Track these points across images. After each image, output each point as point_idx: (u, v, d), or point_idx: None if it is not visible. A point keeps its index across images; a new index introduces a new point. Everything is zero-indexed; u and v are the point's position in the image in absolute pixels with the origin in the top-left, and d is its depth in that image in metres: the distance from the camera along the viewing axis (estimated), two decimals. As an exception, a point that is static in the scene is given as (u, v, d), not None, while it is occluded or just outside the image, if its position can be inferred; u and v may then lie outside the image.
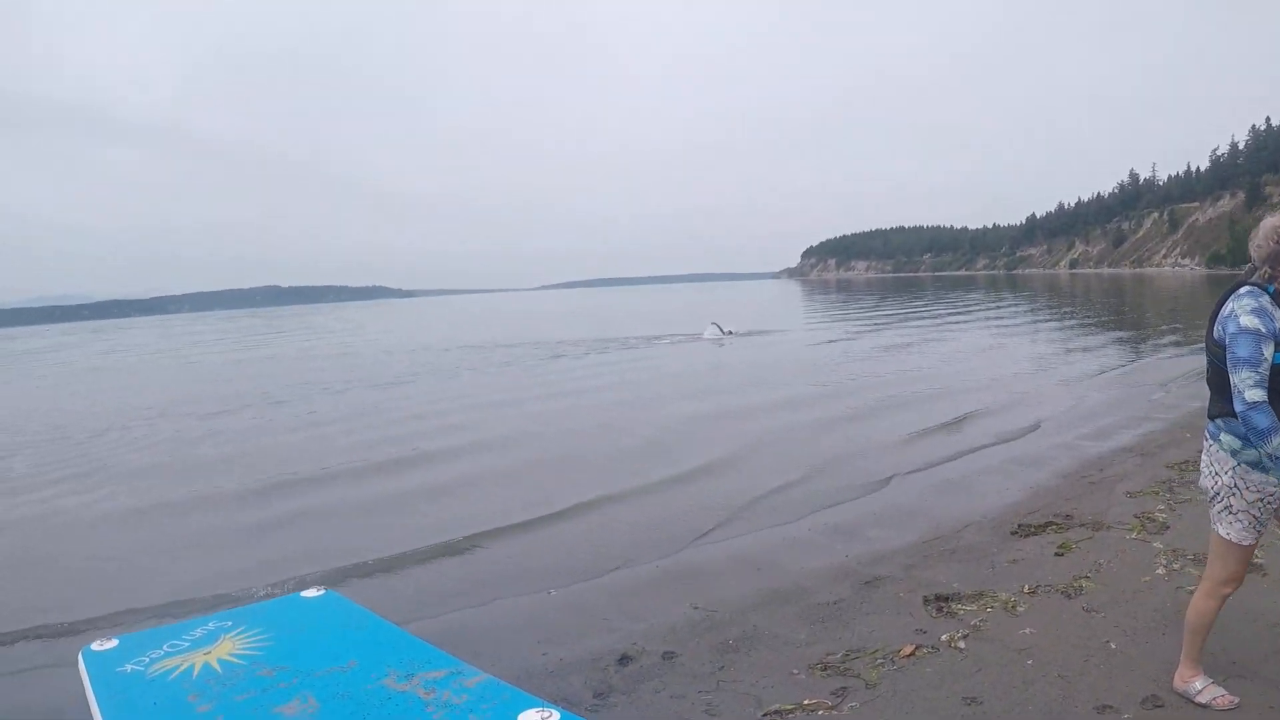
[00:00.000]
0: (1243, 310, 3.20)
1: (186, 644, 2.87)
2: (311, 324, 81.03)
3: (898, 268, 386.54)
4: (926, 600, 5.44)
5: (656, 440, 12.07)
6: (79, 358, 49.26)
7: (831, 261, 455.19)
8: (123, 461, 12.78)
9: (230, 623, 3.11)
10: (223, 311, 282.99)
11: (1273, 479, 3.26)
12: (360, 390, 20.76)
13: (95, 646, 2.92)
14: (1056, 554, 6.18)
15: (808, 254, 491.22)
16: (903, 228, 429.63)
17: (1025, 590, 5.47)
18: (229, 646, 2.84)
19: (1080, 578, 5.59)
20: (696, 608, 5.73)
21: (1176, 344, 23.62)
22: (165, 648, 2.84)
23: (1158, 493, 7.58)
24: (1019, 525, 7.02)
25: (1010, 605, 5.19)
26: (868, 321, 38.59)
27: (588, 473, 10.22)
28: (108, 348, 60.01)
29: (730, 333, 33.17)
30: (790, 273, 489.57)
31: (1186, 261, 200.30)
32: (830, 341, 27.05)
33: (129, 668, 2.73)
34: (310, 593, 3.52)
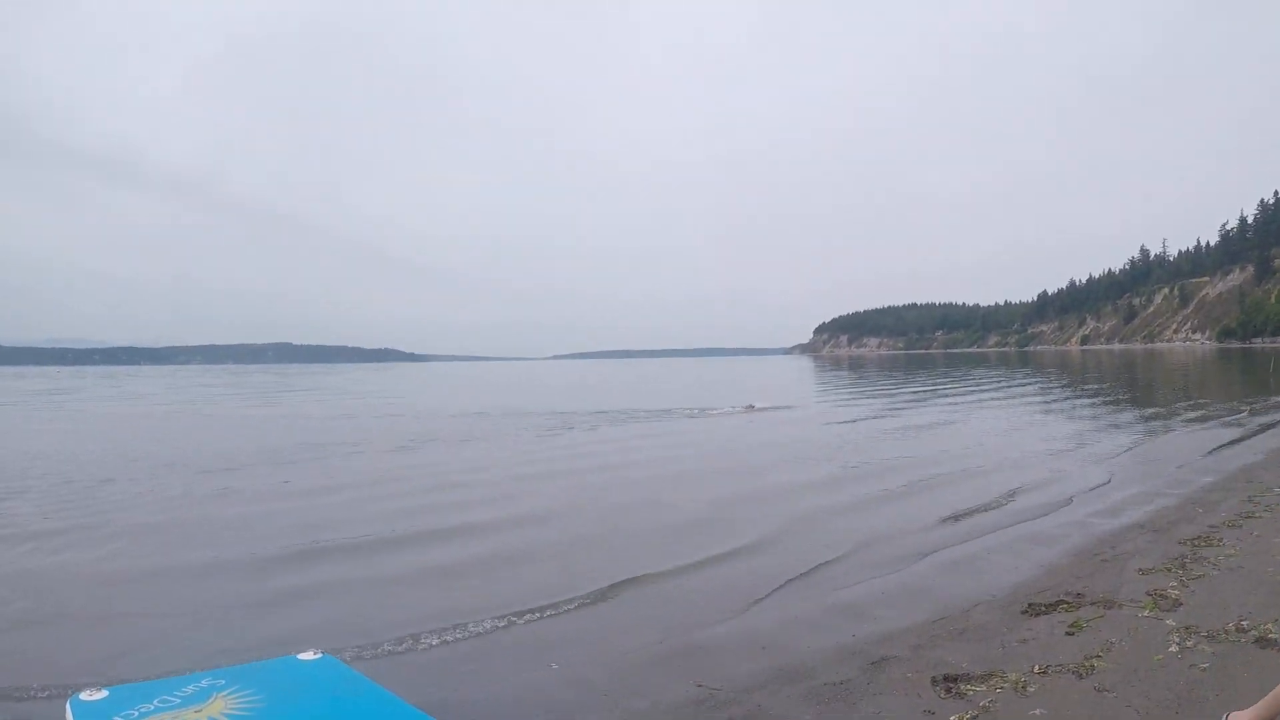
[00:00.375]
0: None
1: (178, 700, 2.82)
2: (324, 383, 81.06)
3: (910, 345, 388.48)
4: (935, 681, 5.37)
5: (692, 520, 11.89)
6: (89, 402, 49.59)
7: (844, 338, 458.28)
8: (128, 516, 12.35)
9: (223, 681, 3.02)
10: (234, 365, 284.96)
11: None
12: (378, 454, 20.43)
13: (84, 696, 2.85)
14: (1067, 633, 6.11)
15: (820, 330, 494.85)
16: (915, 305, 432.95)
17: (1036, 670, 5.39)
18: (221, 706, 2.79)
19: (1092, 657, 5.51)
20: (700, 685, 5.66)
21: (1187, 419, 23.55)
22: (156, 703, 2.79)
23: (1170, 570, 7.51)
24: (1029, 604, 6.94)
25: (1020, 685, 5.12)
26: (887, 399, 38.47)
27: (608, 552, 10.08)
28: (118, 393, 60.35)
29: (752, 407, 33.22)
30: (802, 348, 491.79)
31: (1197, 336, 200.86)
32: (851, 421, 26.84)
33: None
34: (306, 655, 3.40)
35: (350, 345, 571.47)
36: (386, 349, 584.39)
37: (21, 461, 18.97)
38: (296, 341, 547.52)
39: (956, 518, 11.16)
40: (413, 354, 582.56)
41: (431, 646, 6.70)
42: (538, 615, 7.42)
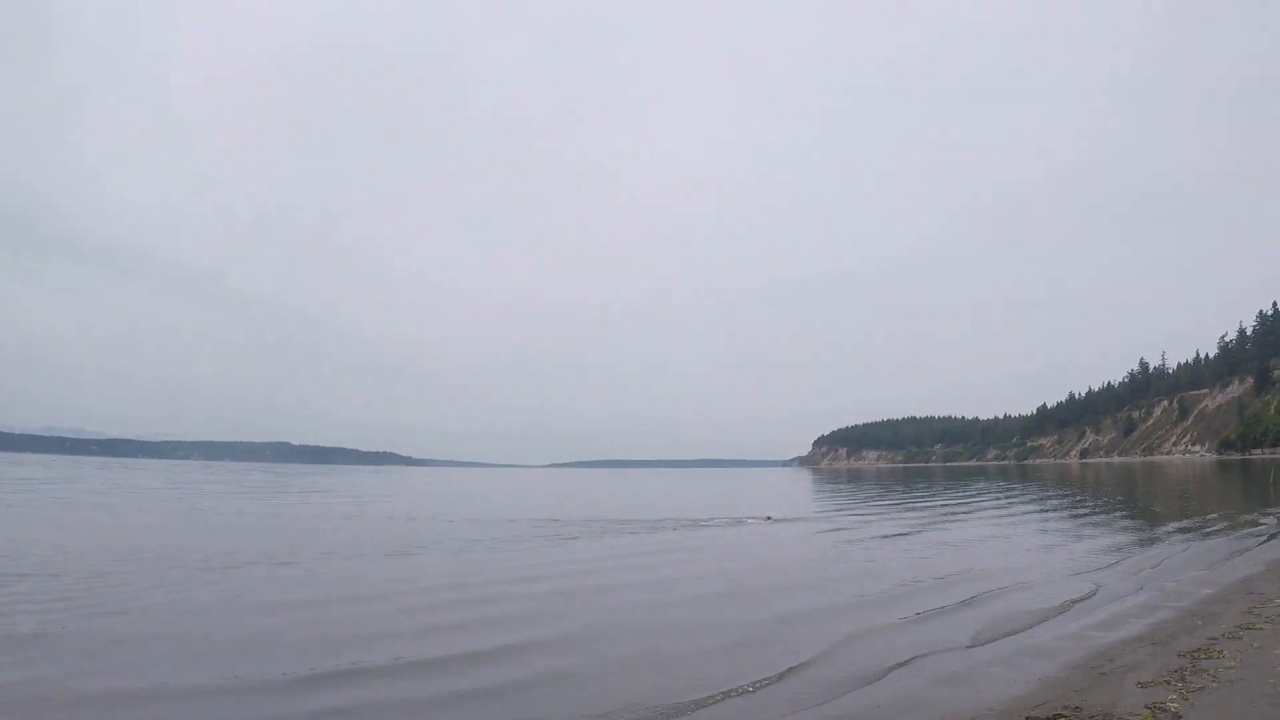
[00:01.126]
0: None
1: None
2: (325, 484, 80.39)
3: (909, 458, 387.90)
4: (930, 795, 5.30)
5: (729, 643, 11.62)
6: (85, 493, 49.12)
7: (843, 450, 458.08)
8: (113, 621, 11.88)
9: None
10: (231, 463, 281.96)
11: None
12: (376, 559, 19.72)
13: None
14: (1065, 746, 6.04)
15: (819, 442, 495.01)
16: (914, 418, 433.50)
17: (1032, 784, 5.32)
18: None
19: (1090, 770, 5.45)
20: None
21: (1185, 531, 23.48)
22: None
23: (1170, 682, 7.45)
24: (1027, 718, 6.87)
25: (1016, 800, 5.06)
26: (889, 511, 38.25)
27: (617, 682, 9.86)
28: (113, 485, 59.72)
29: (770, 518, 33.25)
30: (801, 460, 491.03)
31: (1197, 448, 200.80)
32: (861, 540, 26.65)
33: None
34: None
35: (348, 447, 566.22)
36: (385, 452, 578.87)
37: (16, 550, 18.84)
38: (295, 441, 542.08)
39: (954, 629, 11.07)
40: (410, 458, 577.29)
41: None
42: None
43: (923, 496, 52.91)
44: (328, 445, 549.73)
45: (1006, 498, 47.76)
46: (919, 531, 26.73)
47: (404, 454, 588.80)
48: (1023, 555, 19.52)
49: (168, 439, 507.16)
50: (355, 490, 66.74)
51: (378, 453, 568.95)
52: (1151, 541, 21.55)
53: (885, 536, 25.11)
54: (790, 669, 9.26)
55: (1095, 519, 30.34)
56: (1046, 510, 36.66)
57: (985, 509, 38.10)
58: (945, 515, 34.17)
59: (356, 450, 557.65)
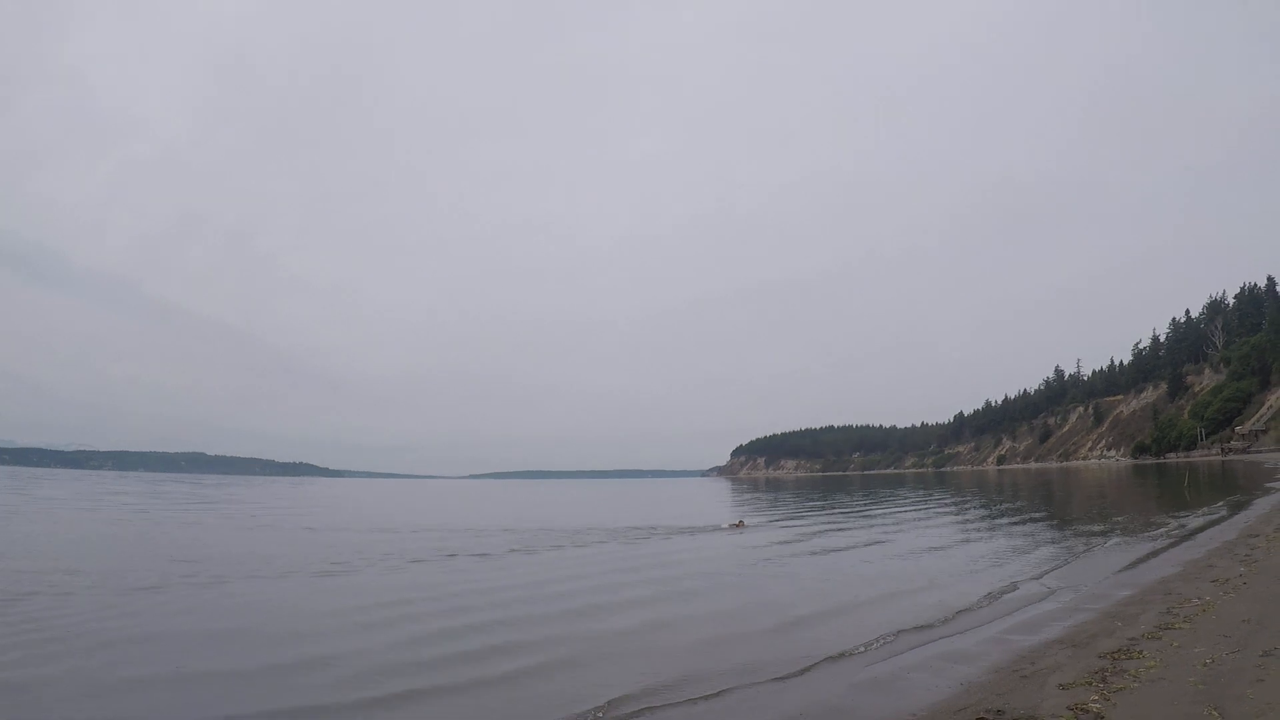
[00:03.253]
0: None
1: None
2: (244, 496, 78.40)
3: (827, 466, 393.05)
4: (852, 805, 5.28)
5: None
6: None
7: (761, 460, 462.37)
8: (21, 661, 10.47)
9: None
10: (146, 473, 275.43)
11: None
12: (308, 578, 18.43)
13: None
14: (989, 750, 6.07)
15: (737, 452, 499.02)
16: (831, 427, 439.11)
17: (956, 789, 5.33)
18: None
19: (1013, 773, 5.48)
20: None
21: (1104, 534, 24.04)
22: None
23: (1091, 683, 7.56)
24: (950, 722, 6.90)
25: (940, 806, 5.06)
26: (820, 519, 38.54)
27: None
28: (24, 499, 57.51)
29: (742, 524, 34.26)
30: (720, 470, 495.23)
31: (1112, 453, 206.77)
32: (788, 542, 26.76)
33: None
34: None
35: (264, 458, 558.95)
36: (301, 463, 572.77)
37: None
38: (210, 451, 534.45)
39: (873, 634, 11.13)
40: (327, 469, 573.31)
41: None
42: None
43: (851, 506, 53.49)
44: (244, 456, 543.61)
45: (925, 505, 48.47)
46: (843, 541, 26.98)
47: (320, 465, 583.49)
48: (942, 560, 19.81)
49: (81, 449, 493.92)
50: (283, 501, 65.40)
51: (294, 463, 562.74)
52: (1070, 545, 22.00)
53: (801, 545, 25.30)
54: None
55: (1013, 525, 30.92)
56: (967, 518, 37.27)
57: (908, 517, 38.60)
58: (867, 522, 34.55)
59: (273, 461, 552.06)
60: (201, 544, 25.98)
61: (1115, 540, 22.06)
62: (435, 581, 18.03)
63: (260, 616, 13.39)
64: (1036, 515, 35.87)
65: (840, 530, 31.38)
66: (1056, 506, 43.01)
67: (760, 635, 11.78)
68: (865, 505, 50.58)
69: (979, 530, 29.06)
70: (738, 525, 33.88)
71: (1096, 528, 26.70)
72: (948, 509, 43.48)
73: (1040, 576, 16.40)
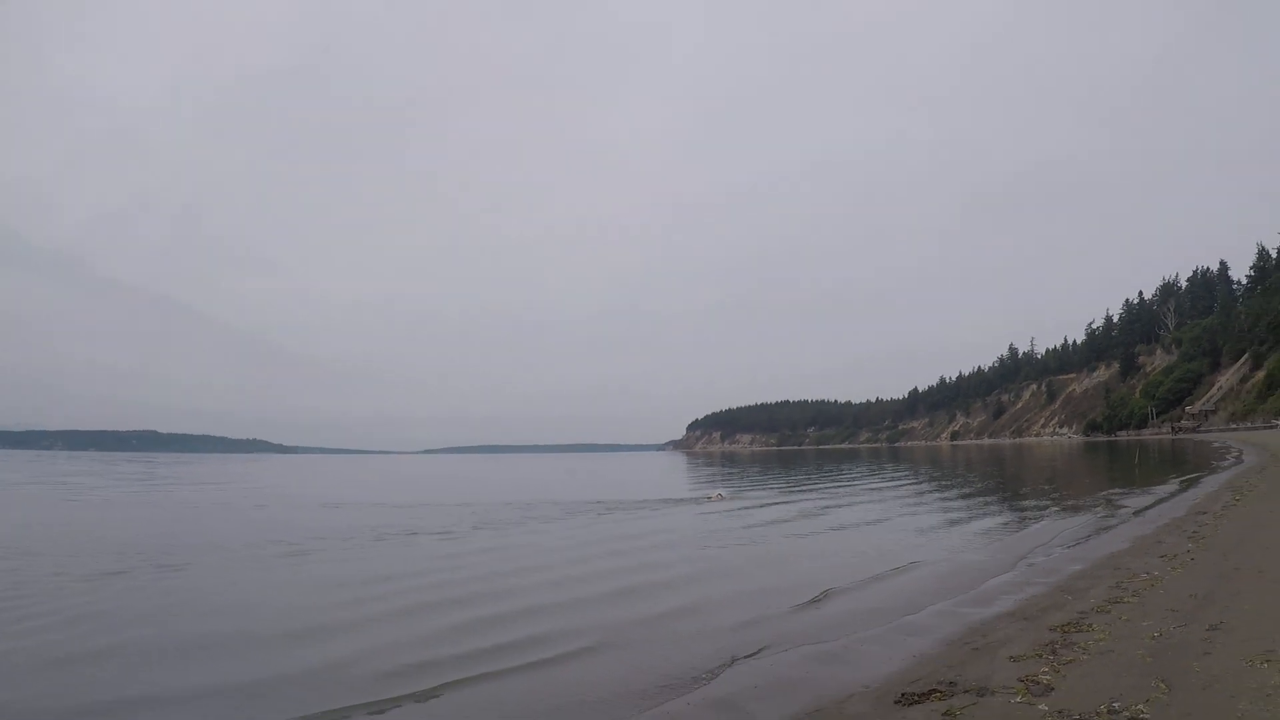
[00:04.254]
0: None
1: None
2: (198, 474, 77.19)
3: (782, 441, 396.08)
4: (807, 774, 5.37)
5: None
6: None
7: (717, 434, 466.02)
8: None
9: None
10: (98, 452, 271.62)
11: None
12: (274, 559, 17.69)
13: None
14: (941, 721, 6.19)
15: (693, 426, 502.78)
16: (787, 402, 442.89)
17: (910, 758, 5.45)
18: None
19: (966, 743, 5.60)
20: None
21: (1057, 509, 24.43)
22: None
23: (1041, 656, 7.71)
24: (902, 694, 7.03)
25: (894, 774, 5.16)
26: (781, 492, 38.80)
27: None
28: None
29: (721, 495, 34.59)
30: (675, 444, 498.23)
31: (1064, 430, 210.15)
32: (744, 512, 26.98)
33: None
34: None
35: (217, 435, 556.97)
36: (255, 439, 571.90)
37: None
38: (163, 429, 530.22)
39: (828, 607, 11.27)
40: (281, 445, 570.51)
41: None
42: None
43: (806, 479, 53.88)
44: (196, 433, 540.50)
45: (880, 479, 48.96)
46: (796, 516, 27.17)
47: (274, 441, 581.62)
48: (895, 534, 20.05)
49: (31, 428, 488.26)
50: (238, 479, 64.43)
51: (248, 440, 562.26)
52: (1021, 519, 22.36)
53: (757, 519, 25.49)
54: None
55: (966, 499, 31.34)
56: (922, 492, 37.69)
57: (864, 490, 38.97)
58: (824, 498, 34.83)
59: (225, 438, 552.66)
60: (160, 525, 25.51)
61: (1066, 515, 22.42)
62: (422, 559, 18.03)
63: (229, 601, 13.14)
64: (988, 490, 36.40)
65: (800, 501, 31.68)
66: (1009, 482, 43.63)
67: (716, 607, 11.89)
68: (820, 480, 51.01)
69: (931, 504, 29.41)
70: (717, 496, 34.29)
71: (1048, 503, 27.14)
72: (902, 483, 43.96)
73: (992, 550, 16.70)
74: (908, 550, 17.03)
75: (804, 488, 42.86)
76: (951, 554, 16.21)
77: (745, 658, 8.79)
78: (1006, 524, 21.50)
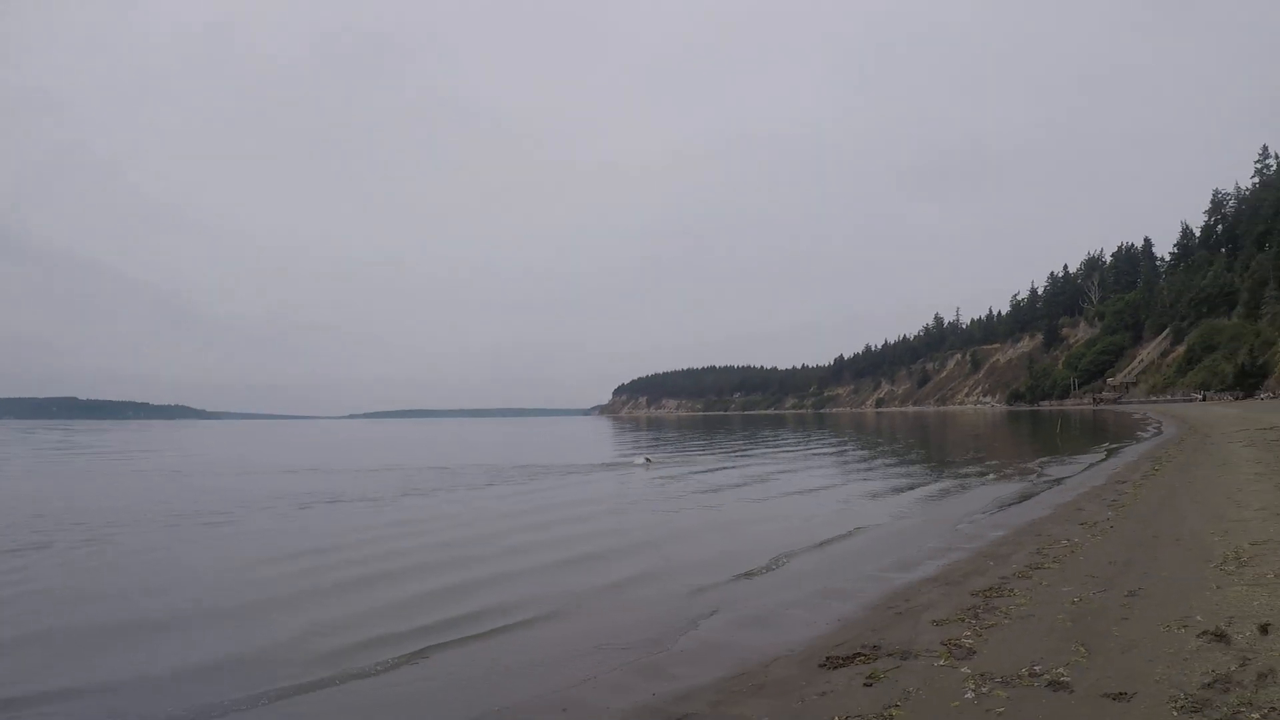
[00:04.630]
0: None
1: None
2: (120, 442, 75.29)
3: (708, 406, 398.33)
4: (733, 736, 5.39)
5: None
6: None
7: (643, 399, 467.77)
8: None
9: None
10: (14, 420, 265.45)
11: None
12: (196, 528, 17.19)
13: None
14: (866, 684, 6.25)
15: (619, 391, 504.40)
16: (713, 367, 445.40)
17: (835, 721, 5.48)
18: None
19: (890, 707, 5.66)
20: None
21: (980, 475, 24.88)
22: None
23: (963, 620, 7.81)
24: (827, 657, 7.08)
25: (819, 737, 5.19)
26: (709, 458, 38.93)
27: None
28: None
29: (649, 460, 35.10)
30: (601, 409, 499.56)
31: (988, 399, 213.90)
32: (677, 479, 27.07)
33: None
34: None
35: (140, 401, 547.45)
36: (178, 405, 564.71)
37: None
38: (83, 396, 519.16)
39: (754, 573, 11.34)
40: (205, 411, 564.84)
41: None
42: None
43: (735, 445, 54.29)
44: (118, 400, 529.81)
45: (806, 446, 49.44)
46: (731, 483, 27.36)
47: (198, 407, 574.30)
48: (819, 500, 20.28)
49: None
50: (161, 446, 63.54)
51: (170, 406, 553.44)
52: (944, 486, 22.72)
53: (711, 482, 25.61)
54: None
55: (890, 465, 31.80)
56: (844, 457, 38.15)
57: (785, 457, 39.33)
58: (745, 464, 35.10)
59: (148, 404, 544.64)
60: (78, 496, 24.53)
61: (989, 482, 22.85)
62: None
63: (154, 577, 12.75)
64: (913, 457, 36.95)
65: (727, 469, 31.87)
66: (933, 449, 44.34)
67: (638, 578, 11.91)
68: (748, 445, 51.41)
69: (858, 470, 29.77)
70: (646, 461, 34.66)
71: (971, 469, 27.62)
72: (828, 450, 44.44)
73: (915, 515, 16.95)
74: (832, 515, 17.24)
75: (734, 454, 43.21)
76: (875, 519, 16.40)
77: (685, 627, 8.80)
78: (930, 489, 21.82)
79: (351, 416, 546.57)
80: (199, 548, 15.15)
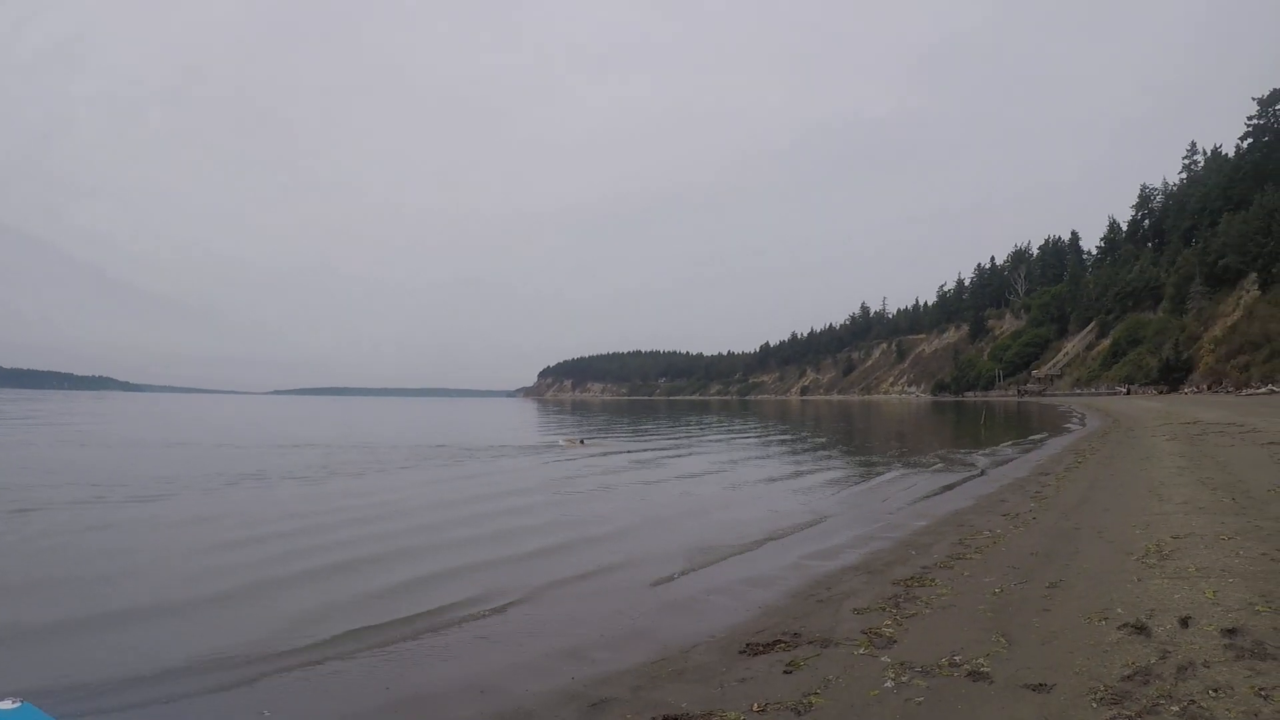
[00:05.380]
0: None
1: None
2: (42, 412, 73.65)
3: (634, 390, 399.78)
4: (654, 722, 5.37)
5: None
6: None
7: (568, 382, 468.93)
8: None
9: None
10: None
11: None
12: (120, 503, 16.73)
13: None
14: (785, 671, 6.27)
15: (544, 374, 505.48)
16: (639, 352, 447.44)
17: (755, 708, 5.50)
18: None
19: (810, 694, 5.68)
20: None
21: (904, 465, 25.23)
22: None
23: (885, 609, 7.88)
24: (747, 644, 7.11)
25: (738, 724, 5.18)
26: (638, 442, 39.05)
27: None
28: None
29: (582, 442, 35.75)
30: (526, 392, 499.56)
31: (913, 389, 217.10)
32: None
33: None
34: (3, 704, 3.15)
35: (61, 371, 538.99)
36: (101, 376, 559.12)
37: None
38: (5, 364, 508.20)
39: (677, 559, 11.34)
40: (128, 383, 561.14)
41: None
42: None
43: (657, 429, 54.52)
44: (39, 369, 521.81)
45: (730, 432, 49.77)
46: (651, 462, 27.44)
47: (121, 379, 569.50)
48: (743, 488, 20.38)
49: None
50: (84, 417, 62.61)
51: (94, 376, 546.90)
52: (868, 475, 22.97)
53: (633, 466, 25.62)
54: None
55: (813, 453, 32.10)
56: (768, 444, 38.45)
57: (711, 442, 39.59)
58: (672, 449, 35.24)
59: (70, 374, 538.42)
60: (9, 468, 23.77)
61: (912, 472, 23.13)
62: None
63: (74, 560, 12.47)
64: (836, 446, 37.29)
65: (658, 454, 31.96)
66: (856, 438, 44.83)
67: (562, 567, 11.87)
68: (675, 430, 51.65)
69: (780, 459, 29.99)
70: (577, 443, 35.15)
71: (895, 459, 27.96)
72: (752, 437, 44.76)
73: (837, 504, 17.08)
74: (753, 502, 17.36)
75: (663, 439, 43.39)
76: (797, 507, 16.51)
77: (607, 614, 8.77)
78: (853, 479, 22.03)
79: (275, 392, 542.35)
80: (132, 527, 14.58)
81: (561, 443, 35.71)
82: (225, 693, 6.53)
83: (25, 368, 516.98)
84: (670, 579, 10.20)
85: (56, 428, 47.53)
